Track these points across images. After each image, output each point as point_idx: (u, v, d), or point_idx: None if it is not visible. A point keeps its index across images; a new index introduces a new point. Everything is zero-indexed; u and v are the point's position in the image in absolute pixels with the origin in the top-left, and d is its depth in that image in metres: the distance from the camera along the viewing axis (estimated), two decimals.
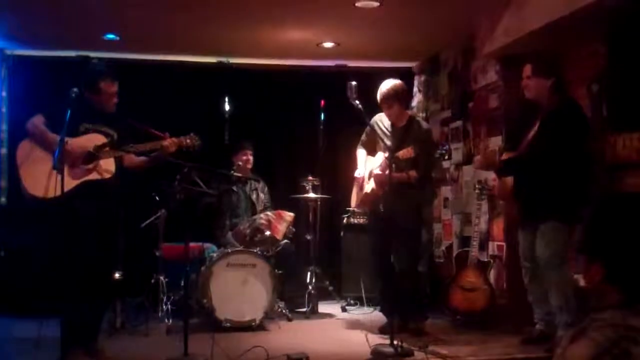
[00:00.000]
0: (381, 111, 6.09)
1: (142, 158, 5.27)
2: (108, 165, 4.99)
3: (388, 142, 5.89)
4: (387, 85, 5.97)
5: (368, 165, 6.12)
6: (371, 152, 6.18)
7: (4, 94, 7.70)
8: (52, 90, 5.39)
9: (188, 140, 5.25)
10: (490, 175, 6.66)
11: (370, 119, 6.03)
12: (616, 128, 5.29)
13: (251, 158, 7.31)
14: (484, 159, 5.54)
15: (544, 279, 5.25)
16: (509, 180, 5.54)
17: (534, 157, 5.10)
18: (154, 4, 6.25)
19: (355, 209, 6.82)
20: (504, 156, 5.44)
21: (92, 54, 7.69)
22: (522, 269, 5.51)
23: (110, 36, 7.22)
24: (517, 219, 5.58)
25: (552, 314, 5.30)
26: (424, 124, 6.31)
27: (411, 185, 5.90)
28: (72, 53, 7.72)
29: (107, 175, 4.98)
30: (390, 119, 6.06)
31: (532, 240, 5.25)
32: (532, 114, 5.30)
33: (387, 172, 5.55)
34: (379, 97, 5.96)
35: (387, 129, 6.06)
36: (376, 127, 6.03)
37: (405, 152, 5.58)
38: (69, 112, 4.62)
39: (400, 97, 5.98)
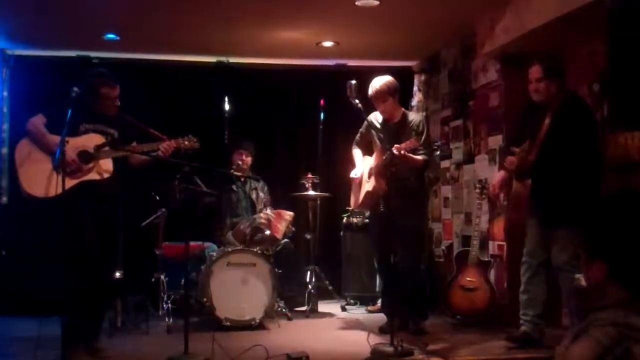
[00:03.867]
0: (375, 110, 6.10)
1: (145, 157, 5.28)
2: (107, 165, 4.99)
3: (385, 139, 5.87)
4: (380, 81, 5.98)
5: (365, 164, 6.11)
6: (366, 151, 6.19)
7: (5, 93, 7.70)
8: (53, 90, 5.39)
9: (186, 142, 5.26)
10: (491, 175, 6.67)
11: (368, 117, 6.03)
12: (617, 127, 5.28)
13: (249, 158, 7.30)
14: (520, 162, 5.34)
15: (544, 278, 5.24)
16: (524, 189, 5.45)
17: (549, 158, 5.04)
18: (154, 4, 6.24)
19: (354, 209, 6.82)
20: (515, 153, 5.31)
21: (93, 54, 7.70)
22: (521, 265, 5.44)
23: (110, 36, 7.21)
24: (529, 216, 5.43)
25: (541, 318, 5.29)
26: (417, 116, 6.35)
27: (410, 184, 5.91)
28: (72, 53, 7.72)
29: (106, 176, 4.98)
30: (384, 115, 6.07)
31: (541, 240, 5.21)
32: (536, 112, 5.25)
33: (404, 151, 5.56)
34: (372, 93, 5.96)
35: (382, 126, 6.07)
36: (371, 126, 6.03)
37: (408, 144, 5.59)
38: (69, 112, 4.63)
39: (393, 92, 5.99)
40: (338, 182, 7.38)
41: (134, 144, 5.19)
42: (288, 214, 6.91)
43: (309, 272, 7.32)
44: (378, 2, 6.14)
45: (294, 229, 7.07)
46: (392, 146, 5.59)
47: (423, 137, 5.84)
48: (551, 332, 5.40)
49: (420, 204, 6.25)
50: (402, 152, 5.56)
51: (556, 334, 5.33)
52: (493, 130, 6.75)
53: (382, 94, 5.95)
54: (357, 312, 7.33)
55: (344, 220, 7.89)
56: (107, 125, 5.11)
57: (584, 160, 5.00)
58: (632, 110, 5.10)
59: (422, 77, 8.39)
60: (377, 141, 5.97)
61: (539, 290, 5.29)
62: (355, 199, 6.25)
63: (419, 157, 5.82)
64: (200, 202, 6.78)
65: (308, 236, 7.47)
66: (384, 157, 5.67)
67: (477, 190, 6.53)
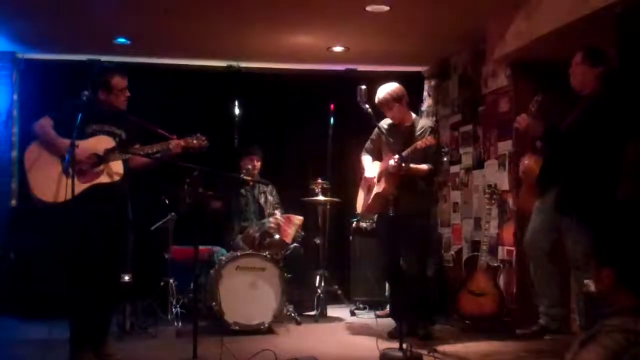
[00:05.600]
0: (383, 116, 6.12)
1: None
2: (117, 167, 4.98)
3: (394, 143, 5.88)
4: (383, 90, 6.00)
5: (375, 169, 6.11)
6: (376, 158, 6.19)
7: (15, 97, 7.74)
8: (63, 94, 5.39)
9: (195, 141, 5.22)
10: (501, 180, 6.66)
11: (379, 123, 6.03)
12: (627, 133, 5.25)
13: (258, 164, 7.31)
14: (529, 119, 5.31)
15: (550, 268, 5.21)
16: (535, 166, 5.41)
17: (570, 139, 5.00)
18: (165, 8, 6.26)
19: (360, 213, 6.81)
20: (538, 143, 5.27)
21: (103, 58, 7.72)
22: (525, 253, 5.41)
23: (121, 40, 7.24)
24: (532, 202, 5.39)
25: (555, 307, 5.26)
26: (428, 122, 6.36)
27: (419, 188, 5.91)
28: (82, 57, 7.74)
29: (117, 178, 4.98)
30: (394, 121, 6.08)
31: (545, 228, 5.17)
32: (572, 103, 5.21)
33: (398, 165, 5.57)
34: (377, 102, 5.98)
35: (391, 129, 6.07)
36: (382, 133, 6.03)
37: (425, 141, 5.62)
38: (79, 116, 4.63)
39: (398, 99, 5.99)
40: (347, 187, 7.38)
41: (137, 145, 5.17)
42: (297, 219, 6.92)
43: (318, 277, 7.32)
44: (388, 8, 6.15)
45: (303, 233, 7.08)
46: (401, 150, 5.60)
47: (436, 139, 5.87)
48: (562, 339, 5.40)
49: (429, 209, 6.23)
50: (405, 164, 5.57)
51: (565, 340, 5.33)
52: (503, 135, 6.74)
53: (386, 101, 5.98)
54: (366, 317, 7.32)
55: (353, 225, 7.89)
56: (114, 126, 5.09)
57: (604, 156, 4.96)
58: None
59: (432, 83, 8.40)
60: (387, 145, 5.98)
61: (545, 280, 5.25)
62: (364, 202, 6.24)
63: (424, 167, 5.83)
64: (209, 207, 6.80)
65: (317, 240, 7.47)
66: (394, 158, 5.67)
67: (487, 196, 6.53)
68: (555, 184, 5.15)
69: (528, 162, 5.36)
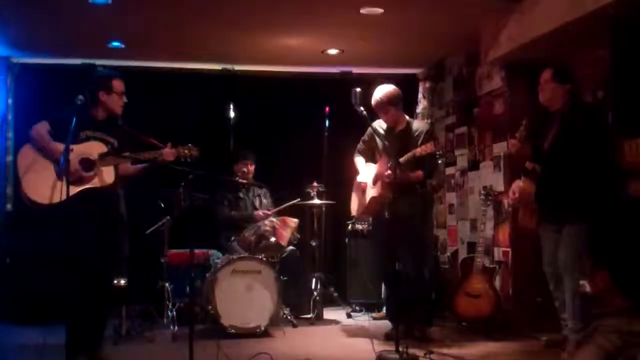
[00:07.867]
0: (378, 118, 6.12)
1: (137, 166, 5.28)
2: (108, 173, 5.01)
3: (389, 147, 5.88)
4: (380, 92, 6.02)
5: (369, 171, 6.11)
6: (369, 159, 6.19)
7: (10, 101, 7.73)
8: (58, 98, 5.40)
9: (186, 151, 5.26)
10: (496, 181, 6.66)
11: (372, 124, 6.03)
12: (622, 134, 5.27)
13: (252, 168, 7.30)
14: (520, 144, 5.43)
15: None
16: (529, 187, 5.43)
17: (557, 162, 5.05)
18: (159, 11, 6.26)
19: (356, 216, 6.81)
20: (528, 165, 5.37)
21: (98, 62, 7.71)
22: (546, 275, 5.43)
23: (116, 44, 7.24)
24: (539, 222, 5.47)
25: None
26: (422, 124, 6.36)
27: (415, 190, 5.92)
28: (77, 61, 7.73)
29: (107, 183, 5.00)
30: (388, 124, 6.09)
31: (555, 244, 5.19)
32: (547, 118, 5.28)
33: (393, 173, 5.58)
34: (373, 104, 6.01)
35: (386, 133, 6.08)
36: (376, 133, 6.03)
37: (424, 148, 5.64)
38: (74, 120, 4.64)
39: (394, 102, 6.02)
40: (343, 190, 7.37)
41: (127, 154, 5.19)
42: (293, 221, 6.91)
43: (314, 279, 7.32)
44: (382, 10, 6.16)
45: (299, 236, 7.08)
46: (397, 155, 5.61)
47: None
48: (554, 338, 5.42)
49: (425, 212, 6.23)
50: (400, 171, 5.59)
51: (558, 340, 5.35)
52: (498, 137, 6.75)
53: (382, 104, 6.00)
54: (362, 319, 7.31)
55: (349, 227, 7.89)
56: (107, 134, 5.13)
57: (592, 164, 4.98)
58: (637, 117, 5.10)
59: (427, 85, 8.40)
60: (381, 148, 5.98)
61: (565, 295, 5.24)
62: (358, 205, 6.24)
63: (419, 173, 5.87)
64: (205, 210, 6.80)
65: (313, 243, 7.47)
66: (389, 165, 5.68)
67: (482, 197, 6.54)
68: (553, 199, 5.16)
69: (523, 184, 5.39)
